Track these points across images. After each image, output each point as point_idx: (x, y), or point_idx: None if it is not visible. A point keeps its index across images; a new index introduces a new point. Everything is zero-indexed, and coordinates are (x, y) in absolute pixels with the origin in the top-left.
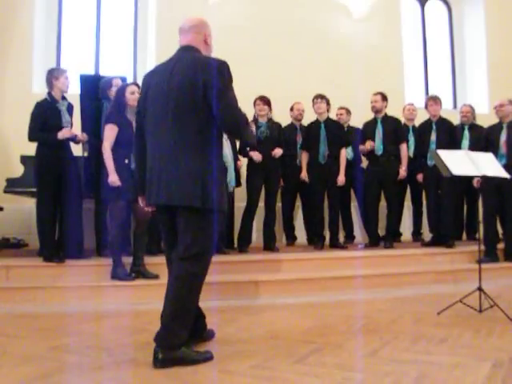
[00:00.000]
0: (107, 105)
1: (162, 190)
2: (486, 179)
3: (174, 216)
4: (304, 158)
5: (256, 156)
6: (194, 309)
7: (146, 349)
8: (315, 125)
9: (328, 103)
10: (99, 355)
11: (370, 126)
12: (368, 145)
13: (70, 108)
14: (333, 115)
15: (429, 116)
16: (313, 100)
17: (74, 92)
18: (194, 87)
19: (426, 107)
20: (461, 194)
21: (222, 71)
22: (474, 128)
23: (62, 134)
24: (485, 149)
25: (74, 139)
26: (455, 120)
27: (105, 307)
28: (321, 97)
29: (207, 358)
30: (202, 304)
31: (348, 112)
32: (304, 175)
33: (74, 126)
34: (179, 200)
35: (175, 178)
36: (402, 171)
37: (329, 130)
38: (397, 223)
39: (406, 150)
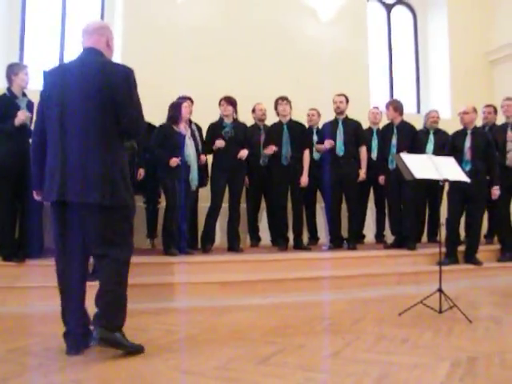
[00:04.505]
0: None
1: (69, 188)
2: (451, 183)
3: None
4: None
5: (219, 143)
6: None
7: (107, 349)
8: (278, 126)
9: (290, 105)
10: (60, 357)
11: (330, 127)
12: (328, 143)
13: (29, 105)
14: (303, 116)
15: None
16: (277, 101)
17: (38, 88)
18: (100, 92)
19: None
20: (423, 197)
21: (128, 78)
22: (438, 133)
23: (18, 119)
24: (450, 154)
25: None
26: (419, 124)
27: None
28: (285, 99)
29: (138, 349)
30: (168, 304)
31: (318, 114)
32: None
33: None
34: (91, 198)
35: (83, 178)
36: (362, 173)
37: (292, 131)
38: (359, 225)
39: (366, 153)
